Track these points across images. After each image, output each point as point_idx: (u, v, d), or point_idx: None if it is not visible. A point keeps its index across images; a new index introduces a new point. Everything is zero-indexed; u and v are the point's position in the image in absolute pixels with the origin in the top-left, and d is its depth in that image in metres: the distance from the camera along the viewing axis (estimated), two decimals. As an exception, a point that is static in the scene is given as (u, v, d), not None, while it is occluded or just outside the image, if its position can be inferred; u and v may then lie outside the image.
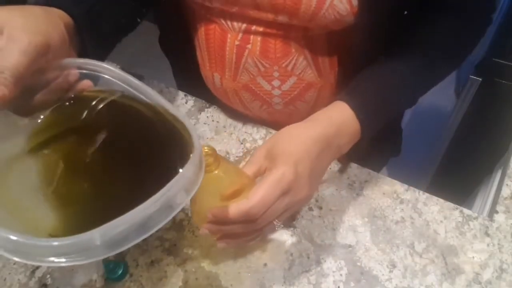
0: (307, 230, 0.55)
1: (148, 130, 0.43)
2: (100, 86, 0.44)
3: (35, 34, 0.40)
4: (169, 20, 0.64)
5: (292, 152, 0.44)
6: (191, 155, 0.36)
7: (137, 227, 0.32)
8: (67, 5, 0.47)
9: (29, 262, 0.31)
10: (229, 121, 0.69)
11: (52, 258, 0.30)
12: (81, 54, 0.48)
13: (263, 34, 0.54)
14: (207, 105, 0.72)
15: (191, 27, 0.61)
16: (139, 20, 0.61)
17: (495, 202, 0.58)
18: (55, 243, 0.30)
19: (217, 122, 0.69)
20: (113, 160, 0.43)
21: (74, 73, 0.44)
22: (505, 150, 0.82)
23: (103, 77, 0.44)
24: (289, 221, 0.56)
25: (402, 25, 0.54)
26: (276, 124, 0.67)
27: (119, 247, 0.32)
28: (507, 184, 0.59)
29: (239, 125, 0.68)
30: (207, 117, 0.70)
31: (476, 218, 0.55)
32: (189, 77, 0.70)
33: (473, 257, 0.52)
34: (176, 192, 0.34)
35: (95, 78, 0.44)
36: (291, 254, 0.53)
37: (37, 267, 0.53)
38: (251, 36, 0.55)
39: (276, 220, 0.46)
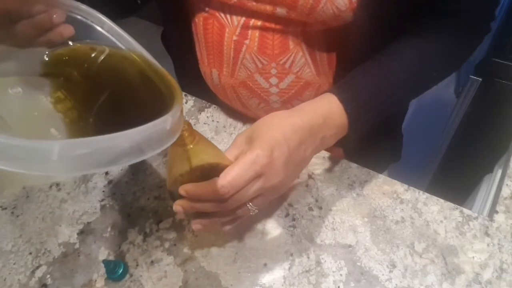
0: (307, 230, 0.55)
1: (135, 84, 0.41)
2: (85, 37, 0.42)
3: None
4: (171, 15, 0.64)
5: (269, 137, 0.44)
6: (171, 109, 0.35)
7: (104, 156, 0.30)
8: None
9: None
10: (229, 121, 0.69)
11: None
12: None
13: (261, 28, 0.54)
14: (207, 105, 0.72)
15: (191, 22, 0.61)
16: (139, 1, 0.60)
17: (495, 202, 0.58)
18: (8, 141, 0.27)
19: (217, 122, 0.69)
20: (101, 111, 0.41)
21: (61, 14, 0.41)
22: (505, 150, 0.82)
23: (92, 26, 0.41)
24: (289, 221, 0.56)
25: (400, 28, 0.54)
26: None
27: (77, 170, 0.30)
28: (507, 184, 0.59)
29: (239, 125, 0.68)
30: (207, 117, 0.70)
31: (476, 218, 0.55)
32: (190, 75, 0.70)
33: (473, 257, 0.52)
34: (151, 135, 0.33)
35: (82, 25, 0.41)
36: (291, 254, 0.53)
37: (37, 267, 0.54)
38: (249, 31, 0.55)
39: (250, 204, 0.45)
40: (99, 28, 0.41)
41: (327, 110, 0.48)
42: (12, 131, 0.39)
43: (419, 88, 0.56)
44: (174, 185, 0.45)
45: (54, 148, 0.28)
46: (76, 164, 0.29)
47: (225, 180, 0.41)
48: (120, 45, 0.41)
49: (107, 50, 0.42)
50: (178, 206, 0.45)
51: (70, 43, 0.43)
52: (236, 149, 0.47)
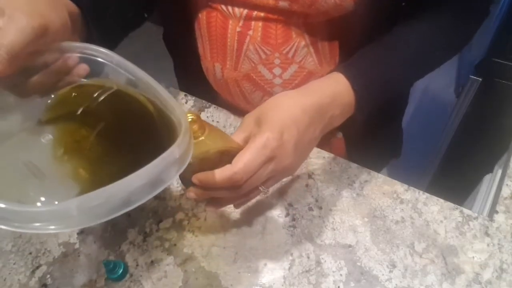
0: (307, 230, 0.55)
1: (143, 115, 0.44)
2: (98, 73, 0.46)
3: (34, 16, 0.40)
4: (172, 15, 0.64)
5: (278, 119, 0.44)
6: (178, 137, 0.37)
7: (118, 200, 0.33)
8: None
9: (5, 228, 0.32)
10: (229, 121, 0.69)
11: (30, 224, 0.32)
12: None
13: (264, 19, 0.55)
14: (207, 105, 0.72)
15: (193, 18, 0.62)
16: (146, 15, 0.62)
17: (495, 202, 0.58)
18: (34, 210, 0.32)
19: (217, 122, 0.69)
20: (111, 145, 0.44)
21: (74, 57, 0.44)
22: (505, 150, 0.83)
23: (102, 62, 0.44)
24: (289, 221, 0.56)
25: (401, 16, 0.55)
26: None
27: (98, 218, 0.33)
28: (507, 184, 0.59)
29: (239, 125, 0.68)
30: (207, 117, 0.70)
31: (476, 218, 0.55)
32: (191, 75, 0.70)
33: (473, 257, 0.52)
34: (161, 170, 0.35)
35: (94, 63, 0.44)
36: (291, 254, 0.53)
37: (37, 267, 0.54)
38: (252, 22, 0.55)
39: (262, 187, 0.46)
40: (108, 63, 0.44)
41: (334, 88, 0.48)
42: (47, 179, 0.42)
43: (423, 69, 0.56)
44: (186, 172, 0.45)
45: (72, 206, 0.32)
46: (98, 212, 0.33)
47: (237, 166, 0.42)
48: (128, 75, 0.44)
49: (114, 87, 0.45)
50: (191, 193, 0.45)
51: (83, 80, 0.46)
52: (244, 131, 0.47)
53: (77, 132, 0.45)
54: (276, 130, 0.43)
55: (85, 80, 0.46)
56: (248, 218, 0.57)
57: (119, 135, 0.45)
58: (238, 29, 0.56)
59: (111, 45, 0.56)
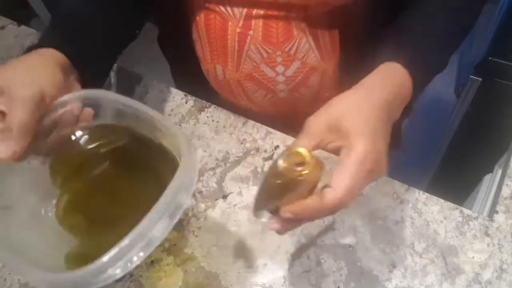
0: (307, 230, 0.55)
1: (150, 155, 0.48)
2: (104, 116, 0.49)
3: (31, 85, 0.43)
4: (168, 18, 0.64)
5: (364, 127, 0.40)
6: (180, 164, 0.39)
7: (144, 243, 0.35)
8: (59, 44, 0.50)
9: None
10: (229, 121, 0.69)
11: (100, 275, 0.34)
12: (83, 82, 0.52)
13: (264, 17, 0.55)
14: (207, 105, 0.71)
15: (190, 21, 0.61)
16: (137, 32, 0.63)
17: (495, 202, 0.58)
18: (72, 276, 0.34)
19: (217, 122, 0.69)
20: (124, 186, 0.49)
21: (77, 106, 0.47)
22: (505, 150, 0.83)
23: (103, 104, 0.48)
24: (289, 221, 0.56)
25: (402, 6, 0.54)
26: (278, 116, 0.67)
27: (133, 263, 0.35)
28: (507, 184, 0.58)
29: (239, 125, 0.68)
30: (207, 117, 0.70)
31: (476, 218, 0.55)
32: (188, 77, 0.70)
33: (473, 257, 0.52)
34: (172, 200, 0.37)
35: (96, 105, 0.48)
36: (291, 254, 0.53)
37: (37, 267, 0.54)
38: (252, 22, 0.55)
39: None
40: (109, 105, 0.48)
41: (396, 81, 0.45)
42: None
43: (451, 49, 0.53)
44: (268, 202, 0.41)
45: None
46: (129, 259, 0.35)
47: (341, 191, 0.38)
48: (128, 111, 0.46)
49: (123, 141, 0.49)
50: (275, 225, 0.41)
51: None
52: (315, 138, 0.41)
53: (91, 184, 0.49)
54: (370, 141, 0.39)
55: (94, 122, 0.49)
56: (248, 218, 0.57)
57: (129, 178, 0.49)
58: (238, 30, 0.56)
59: (106, 71, 0.60)
